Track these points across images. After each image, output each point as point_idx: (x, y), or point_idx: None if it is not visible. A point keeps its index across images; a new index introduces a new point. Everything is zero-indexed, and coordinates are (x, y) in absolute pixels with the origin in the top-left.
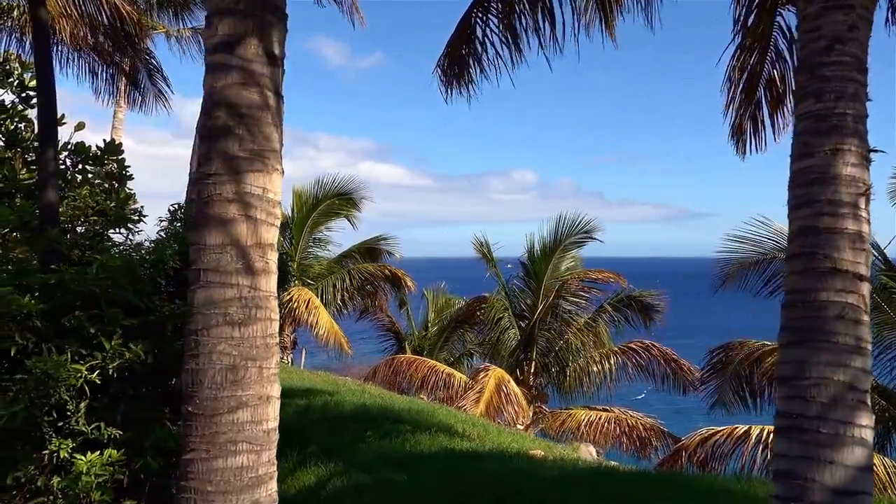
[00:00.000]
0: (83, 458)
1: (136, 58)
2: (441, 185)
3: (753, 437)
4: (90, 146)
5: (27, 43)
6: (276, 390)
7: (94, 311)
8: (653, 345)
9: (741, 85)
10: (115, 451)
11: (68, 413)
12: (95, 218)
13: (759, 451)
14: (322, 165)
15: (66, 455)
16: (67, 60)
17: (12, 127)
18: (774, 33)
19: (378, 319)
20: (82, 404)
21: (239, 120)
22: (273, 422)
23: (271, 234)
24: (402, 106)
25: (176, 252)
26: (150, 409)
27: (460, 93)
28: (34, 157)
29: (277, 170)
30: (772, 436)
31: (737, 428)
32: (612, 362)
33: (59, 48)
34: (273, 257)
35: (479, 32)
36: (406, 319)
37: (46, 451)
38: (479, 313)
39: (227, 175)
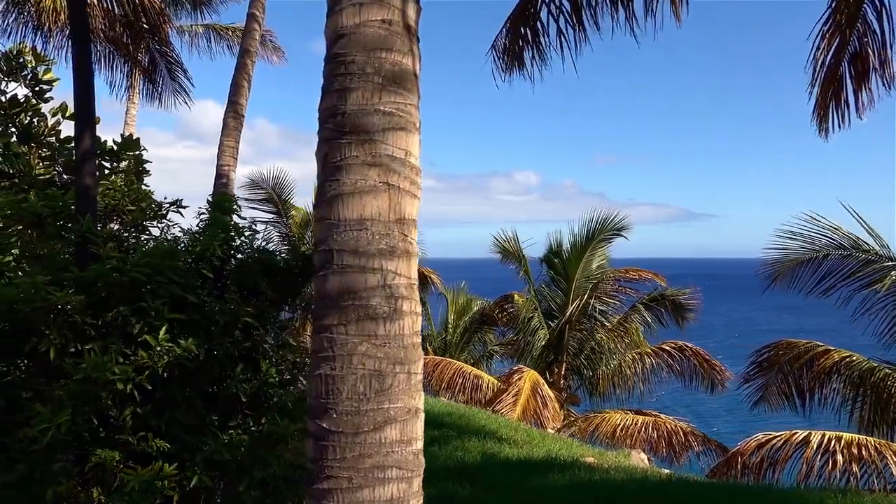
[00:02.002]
0: (132, 472)
1: (160, 50)
2: (444, 185)
3: (814, 444)
4: (105, 141)
5: (41, 33)
6: (422, 401)
7: (137, 304)
8: (686, 345)
9: (826, 60)
10: (168, 465)
11: (112, 421)
12: (132, 209)
13: (820, 458)
14: None
15: (111, 468)
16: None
17: (27, 121)
18: (865, 5)
19: None
20: (127, 410)
21: (378, 66)
22: (421, 441)
23: (414, 209)
24: None
25: (223, 241)
26: (199, 417)
27: (520, 74)
28: (49, 153)
29: (419, 131)
30: (834, 442)
31: (795, 433)
32: (647, 364)
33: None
34: (415, 237)
35: (542, 14)
36: (426, 320)
37: (90, 464)
38: (501, 313)
39: (365, 133)
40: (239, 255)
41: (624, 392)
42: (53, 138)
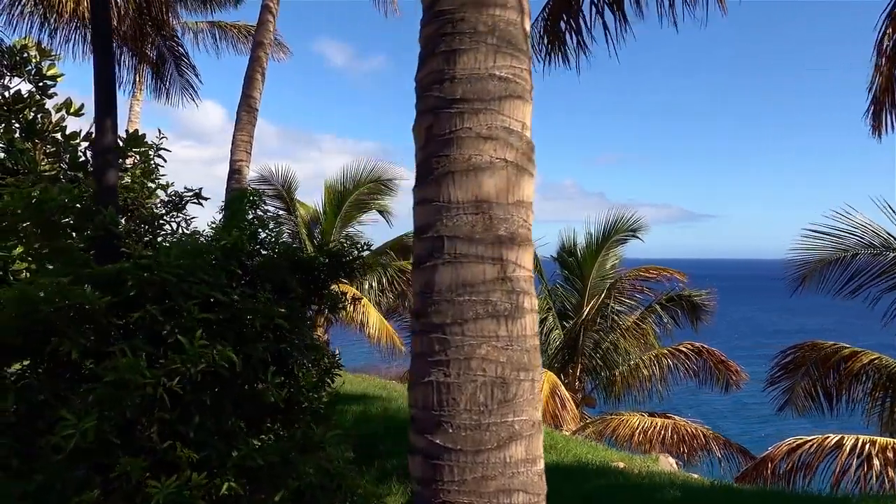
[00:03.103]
0: (157, 483)
1: (168, 45)
2: None
3: (847, 448)
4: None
5: (48, 26)
6: (540, 413)
7: (166, 304)
8: (703, 346)
9: (887, 54)
10: (197, 474)
11: (138, 426)
12: (151, 202)
13: (854, 463)
14: (326, 167)
15: (137, 477)
16: (90, 50)
17: (30, 117)
18: None
19: (403, 319)
20: (154, 416)
21: (492, 24)
22: (543, 459)
23: (531, 190)
24: (404, 107)
25: (252, 237)
26: (228, 422)
27: (562, 62)
28: (54, 149)
29: (532, 101)
30: (868, 446)
31: (828, 437)
32: (665, 365)
33: (83, 31)
34: (532, 222)
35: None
36: None
37: (114, 473)
38: None
39: (480, 101)
40: (264, 251)
41: (641, 393)
42: (59, 134)
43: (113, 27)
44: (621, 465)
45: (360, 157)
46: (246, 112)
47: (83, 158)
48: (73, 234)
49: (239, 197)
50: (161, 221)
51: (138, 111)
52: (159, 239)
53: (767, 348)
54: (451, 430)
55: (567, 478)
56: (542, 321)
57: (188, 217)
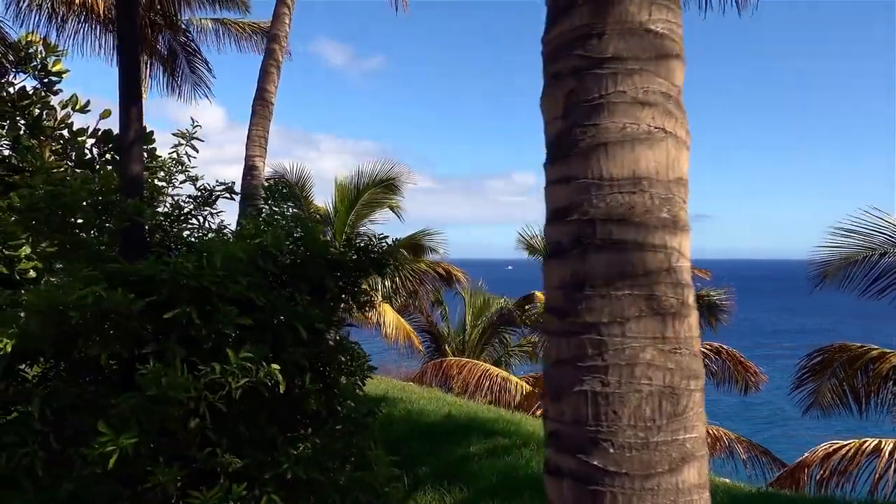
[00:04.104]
0: (198, 494)
1: (179, 40)
2: (442, 186)
3: (886, 452)
4: (118, 134)
5: (56, 20)
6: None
7: (203, 306)
8: (721, 347)
9: None
10: (237, 486)
11: (175, 436)
12: (176, 195)
13: (894, 467)
14: (324, 167)
15: (173, 490)
16: (100, 46)
17: (36, 114)
18: None
19: (413, 319)
20: (192, 424)
21: None
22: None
23: (687, 165)
24: (403, 108)
25: (288, 234)
26: (262, 431)
27: None
28: (61, 146)
29: (684, 63)
30: None
31: (865, 441)
32: None
33: (92, 26)
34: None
35: None
36: (442, 319)
37: (146, 485)
38: (522, 314)
39: (635, 60)
40: (300, 248)
41: None
42: (66, 131)
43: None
44: None
45: (361, 157)
46: (261, 105)
47: (89, 156)
48: (94, 229)
49: (273, 189)
50: (189, 215)
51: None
52: (185, 234)
53: (766, 348)
54: (612, 450)
55: None
56: None
57: (215, 211)
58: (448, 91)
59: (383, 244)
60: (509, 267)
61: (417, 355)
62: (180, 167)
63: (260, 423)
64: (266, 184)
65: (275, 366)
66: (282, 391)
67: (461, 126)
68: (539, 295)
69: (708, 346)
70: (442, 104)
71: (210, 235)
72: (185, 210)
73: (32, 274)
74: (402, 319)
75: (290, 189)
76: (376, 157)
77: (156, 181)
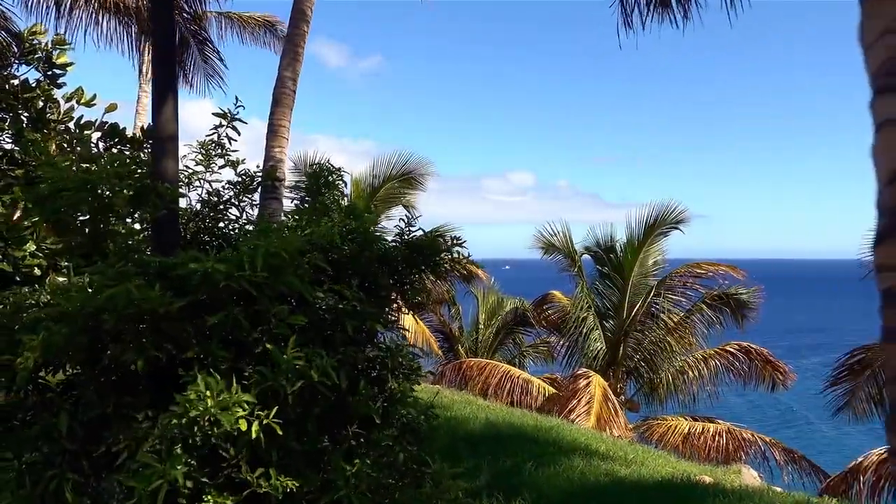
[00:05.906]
0: None
1: (191, 29)
2: (439, 186)
3: None
4: (125, 128)
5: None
6: None
7: (250, 305)
8: (751, 346)
9: None
10: None
11: (223, 455)
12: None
13: None
14: None
15: None
16: (111, 39)
17: (40, 106)
18: None
19: (425, 318)
20: (241, 442)
21: None
22: None
23: None
24: (401, 108)
25: (353, 230)
26: (312, 443)
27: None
28: (68, 140)
29: None
30: None
31: None
32: (711, 365)
33: (104, 16)
34: None
35: None
36: (453, 319)
37: None
38: (539, 314)
39: None
40: (351, 242)
41: (687, 396)
42: (72, 124)
43: (131, 10)
44: (708, 479)
45: (361, 157)
46: (284, 94)
47: (96, 151)
48: (127, 217)
49: (315, 175)
50: (229, 203)
51: (146, 103)
52: (221, 224)
53: (768, 347)
54: None
55: (665, 497)
56: (583, 321)
57: (254, 202)
58: (448, 91)
59: (440, 241)
60: (506, 267)
61: (427, 356)
62: (220, 150)
63: (312, 434)
64: (309, 170)
65: (332, 361)
66: (343, 388)
67: (460, 126)
68: (557, 294)
69: (737, 346)
70: (442, 104)
71: (248, 227)
72: (225, 198)
73: (37, 272)
74: (418, 320)
75: (338, 176)
76: (376, 156)
77: (192, 166)
